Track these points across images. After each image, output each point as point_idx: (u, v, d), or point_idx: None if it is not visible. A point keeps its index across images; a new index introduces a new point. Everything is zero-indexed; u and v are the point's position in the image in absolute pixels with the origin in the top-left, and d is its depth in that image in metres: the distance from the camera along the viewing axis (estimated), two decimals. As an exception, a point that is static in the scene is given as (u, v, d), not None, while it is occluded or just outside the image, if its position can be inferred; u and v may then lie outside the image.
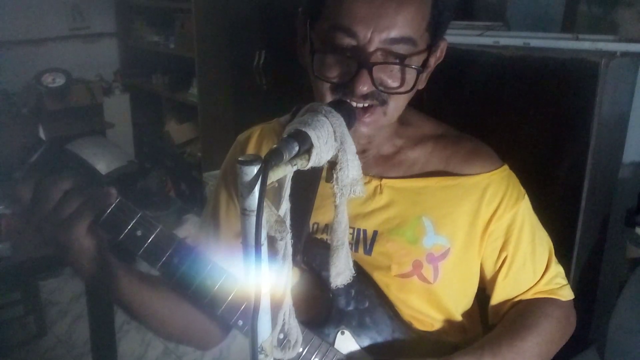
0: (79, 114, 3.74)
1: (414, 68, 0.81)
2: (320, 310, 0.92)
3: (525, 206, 0.97)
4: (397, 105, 0.85)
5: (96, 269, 0.81)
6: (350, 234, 0.93)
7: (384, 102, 0.83)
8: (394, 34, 0.78)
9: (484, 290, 1.01)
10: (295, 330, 0.79)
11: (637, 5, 1.80)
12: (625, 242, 1.66)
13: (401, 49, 0.80)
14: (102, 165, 3.43)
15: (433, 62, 0.89)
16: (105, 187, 0.81)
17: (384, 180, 0.93)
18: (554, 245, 1.01)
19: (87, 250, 0.79)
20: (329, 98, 0.82)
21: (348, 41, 0.79)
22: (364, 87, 0.79)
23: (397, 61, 0.81)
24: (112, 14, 4.26)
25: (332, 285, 0.81)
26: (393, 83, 0.82)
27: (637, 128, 1.69)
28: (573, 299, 1.01)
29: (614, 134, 1.61)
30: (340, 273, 0.80)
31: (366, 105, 0.82)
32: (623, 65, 1.48)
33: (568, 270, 1.02)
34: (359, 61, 0.78)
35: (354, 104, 0.81)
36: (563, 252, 1.01)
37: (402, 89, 0.82)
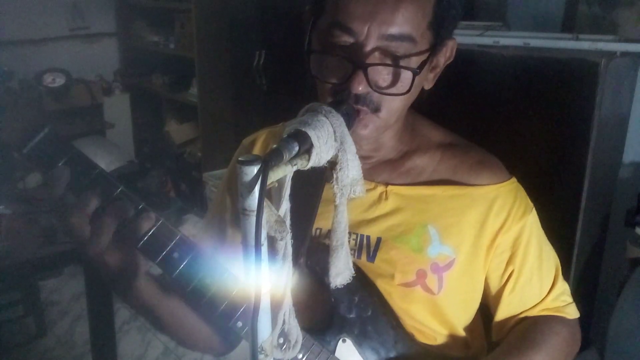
0: (79, 114, 3.75)
1: (410, 69, 0.78)
2: (321, 316, 0.90)
3: (532, 220, 0.95)
4: (390, 107, 0.82)
5: (120, 271, 0.80)
6: (353, 240, 0.91)
7: (376, 110, 0.81)
8: (392, 30, 0.76)
9: (488, 305, 0.99)
10: (295, 330, 0.78)
11: (637, 5, 1.80)
12: (625, 242, 1.66)
13: (399, 47, 0.78)
14: (102, 165, 3.41)
15: (442, 61, 0.87)
16: (112, 180, 0.80)
17: (390, 187, 0.92)
18: (553, 245, 1.00)
19: (114, 255, 0.78)
20: (328, 99, 0.81)
21: (345, 39, 0.78)
22: (360, 87, 0.77)
23: (393, 63, 0.78)
24: (112, 14, 4.26)
25: (331, 285, 0.80)
26: (388, 84, 0.80)
27: (637, 128, 1.69)
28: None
29: (614, 134, 1.61)
30: (340, 273, 0.79)
31: (360, 108, 0.81)
32: (623, 65, 1.48)
33: (568, 270, 1.01)
34: (355, 61, 0.77)
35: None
36: (563, 252, 1.00)
37: (396, 90, 0.80)
